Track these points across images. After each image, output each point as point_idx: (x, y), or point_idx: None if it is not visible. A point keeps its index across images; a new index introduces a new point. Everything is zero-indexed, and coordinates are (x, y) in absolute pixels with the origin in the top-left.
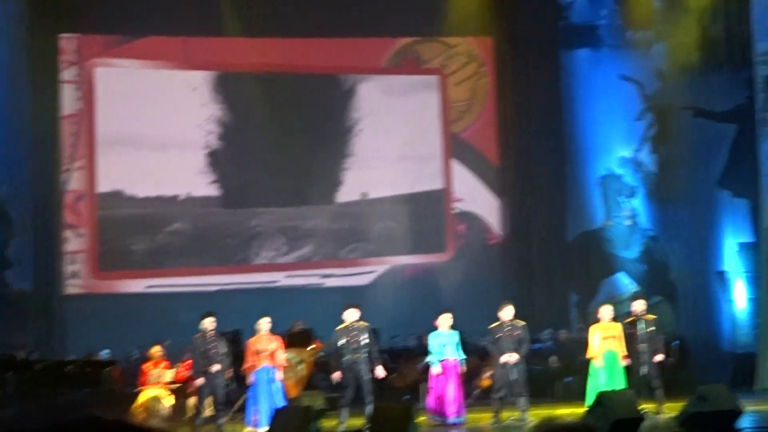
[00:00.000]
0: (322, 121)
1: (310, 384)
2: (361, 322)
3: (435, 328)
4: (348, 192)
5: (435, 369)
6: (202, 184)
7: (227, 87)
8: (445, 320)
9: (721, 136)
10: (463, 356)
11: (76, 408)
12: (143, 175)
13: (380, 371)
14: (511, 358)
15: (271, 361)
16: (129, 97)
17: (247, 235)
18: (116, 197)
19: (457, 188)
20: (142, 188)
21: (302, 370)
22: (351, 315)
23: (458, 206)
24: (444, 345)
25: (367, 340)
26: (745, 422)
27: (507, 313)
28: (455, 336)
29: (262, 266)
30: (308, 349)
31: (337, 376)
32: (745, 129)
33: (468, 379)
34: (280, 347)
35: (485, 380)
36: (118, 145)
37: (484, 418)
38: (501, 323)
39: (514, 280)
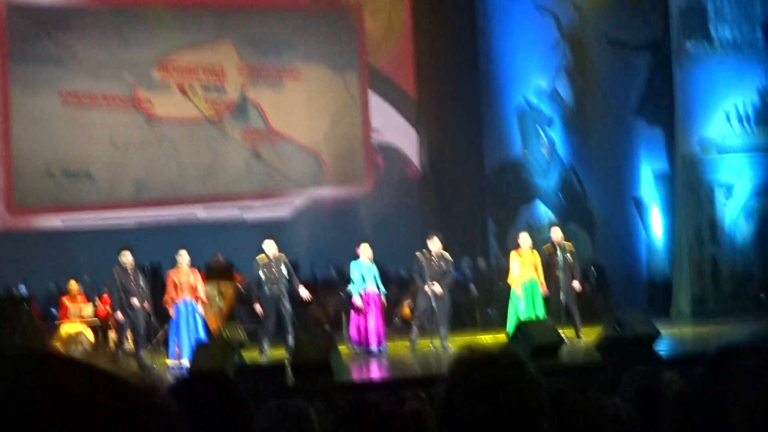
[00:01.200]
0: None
1: (230, 316)
2: (280, 254)
3: (356, 258)
4: (264, 128)
5: (356, 299)
6: (119, 120)
7: (140, 22)
8: (365, 250)
9: (637, 65)
10: (384, 290)
11: None
12: (58, 108)
13: (304, 292)
14: (435, 287)
15: (192, 294)
16: (42, 29)
17: (164, 171)
18: (30, 131)
19: (376, 120)
20: (57, 123)
21: (222, 303)
22: (270, 247)
23: (376, 138)
24: (364, 276)
25: (286, 272)
26: (661, 346)
27: (434, 243)
28: (374, 268)
29: (179, 200)
30: (228, 282)
31: (258, 308)
32: (660, 58)
33: (388, 309)
34: (199, 280)
35: (405, 309)
36: (31, 76)
37: (405, 347)
38: (428, 253)
39: (433, 211)
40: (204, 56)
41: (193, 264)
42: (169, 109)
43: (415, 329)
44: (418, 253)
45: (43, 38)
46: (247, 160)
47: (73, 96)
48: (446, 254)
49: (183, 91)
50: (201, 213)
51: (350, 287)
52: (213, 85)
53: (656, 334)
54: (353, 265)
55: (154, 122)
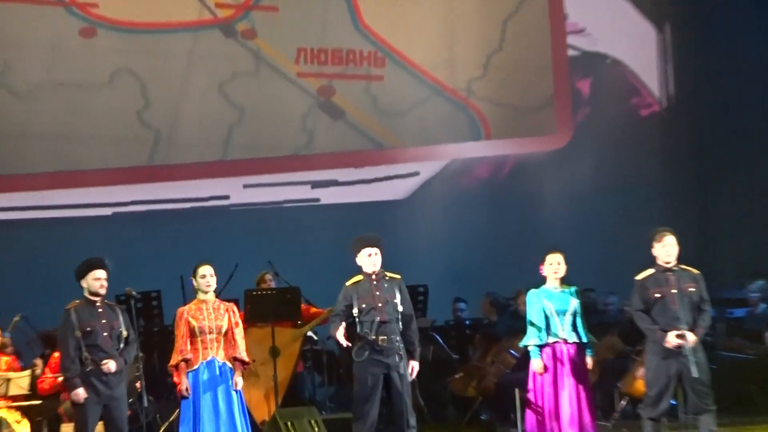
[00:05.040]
0: None
1: (294, 392)
2: (390, 273)
3: (539, 281)
4: (347, 45)
5: (536, 363)
6: (38, 32)
7: None
8: (553, 267)
9: None
10: (591, 338)
11: None
12: None
13: (415, 365)
14: (681, 337)
15: (225, 350)
16: None
17: (168, 114)
18: None
19: (576, 12)
20: None
21: (282, 366)
22: (369, 260)
23: (579, 44)
24: (552, 316)
25: (402, 308)
26: None
27: (667, 249)
28: (573, 298)
29: (199, 167)
30: (288, 324)
31: (341, 334)
32: None
33: (601, 380)
34: (239, 324)
35: (635, 382)
36: None
37: None
38: (657, 271)
39: (684, 187)
40: None
41: (225, 291)
42: (135, 7)
43: (649, 424)
44: (639, 276)
45: None
46: (312, 110)
47: None
48: (693, 270)
49: None
50: (239, 193)
51: (526, 339)
52: None
53: None
54: (532, 296)
55: (106, 34)
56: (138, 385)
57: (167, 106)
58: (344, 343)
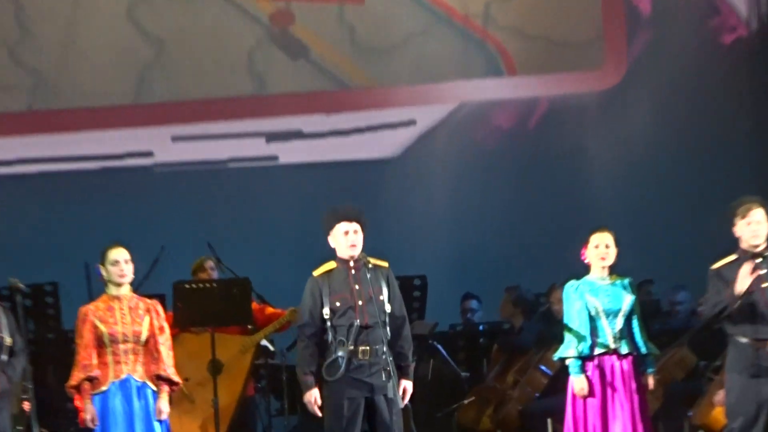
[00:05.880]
0: None
1: (242, 422)
2: (374, 260)
3: (580, 271)
4: None
5: (577, 383)
6: None
7: None
8: (599, 250)
9: None
10: (653, 349)
11: None
12: None
13: (407, 387)
14: None
15: (145, 365)
16: None
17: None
18: None
19: None
20: None
21: (226, 387)
22: (346, 240)
23: None
24: (599, 318)
25: (391, 307)
26: None
27: (754, 229)
28: (627, 294)
29: (109, 113)
30: (242, 332)
31: (311, 397)
32: None
33: (670, 408)
34: (164, 328)
35: (715, 409)
36: None
37: None
38: (742, 258)
39: None
40: None
41: (146, 286)
42: None
43: None
44: (716, 265)
45: None
46: (262, 45)
47: None
48: None
49: None
50: (163, 149)
51: (563, 349)
52: None
53: None
54: (571, 291)
55: None
56: (26, 408)
57: (52, 39)
58: (315, 410)
